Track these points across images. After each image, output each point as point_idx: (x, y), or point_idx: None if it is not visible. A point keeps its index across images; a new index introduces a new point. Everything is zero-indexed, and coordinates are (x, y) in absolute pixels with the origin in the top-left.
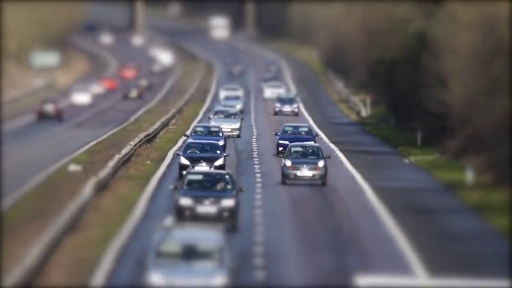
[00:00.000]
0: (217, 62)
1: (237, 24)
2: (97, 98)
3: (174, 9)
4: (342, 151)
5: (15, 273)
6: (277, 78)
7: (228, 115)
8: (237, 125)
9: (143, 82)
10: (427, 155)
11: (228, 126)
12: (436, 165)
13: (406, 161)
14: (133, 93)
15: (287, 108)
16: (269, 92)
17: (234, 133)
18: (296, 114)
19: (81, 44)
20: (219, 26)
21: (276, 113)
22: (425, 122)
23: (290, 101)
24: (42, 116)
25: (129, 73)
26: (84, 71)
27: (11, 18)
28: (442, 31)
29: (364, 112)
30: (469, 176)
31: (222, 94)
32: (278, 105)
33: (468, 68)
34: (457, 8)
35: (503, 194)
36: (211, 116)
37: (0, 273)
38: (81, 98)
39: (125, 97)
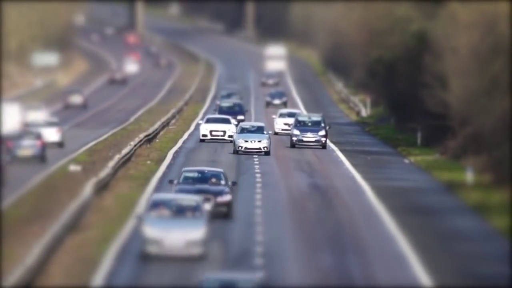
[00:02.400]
0: (217, 64)
1: (236, 25)
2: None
3: (174, 9)
4: (342, 151)
5: (16, 272)
6: (286, 102)
7: (180, 212)
8: (198, 233)
9: (157, 51)
10: (427, 155)
11: (180, 236)
12: (436, 165)
13: (406, 161)
14: (163, 62)
15: (310, 137)
16: (281, 123)
17: (194, 252)
18: (324, 147)
19: (81, 44)
20: (274, 57)
21: (293, 145)
22: (425, 122)
23: (315, 125)
24: (113, 82)
25: (132, 39)
26: (83, 71)
27: (11, 18)
28: (442, 31)
29: (364, 112)
30: (469, 176)
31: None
32: (296, 132)
33: (468, 68)
34: (457, 8)
35: (503, 194)
36: (145, 212)
37: (0, 273)
38: (132, 67)
39: (157, 65)
